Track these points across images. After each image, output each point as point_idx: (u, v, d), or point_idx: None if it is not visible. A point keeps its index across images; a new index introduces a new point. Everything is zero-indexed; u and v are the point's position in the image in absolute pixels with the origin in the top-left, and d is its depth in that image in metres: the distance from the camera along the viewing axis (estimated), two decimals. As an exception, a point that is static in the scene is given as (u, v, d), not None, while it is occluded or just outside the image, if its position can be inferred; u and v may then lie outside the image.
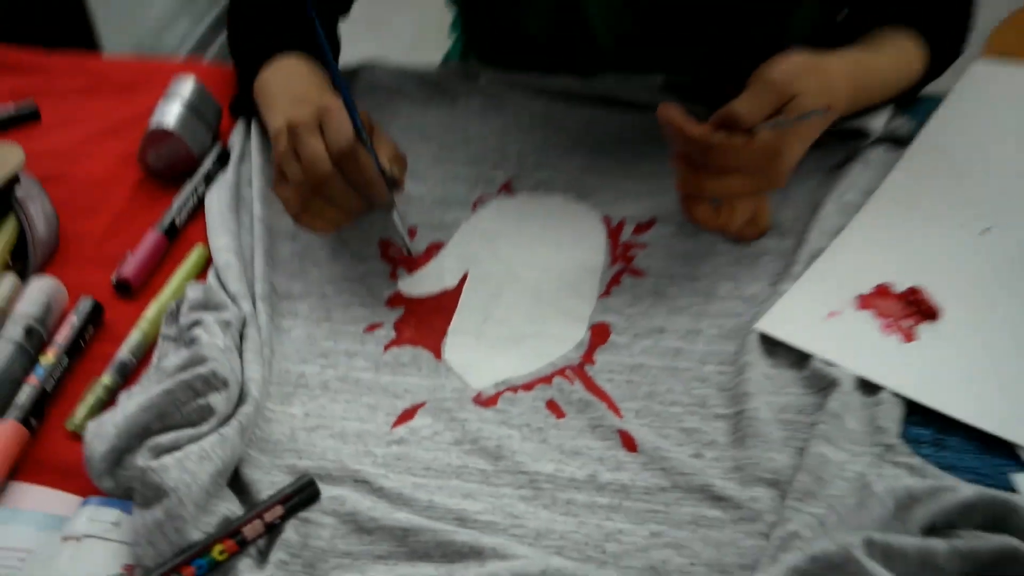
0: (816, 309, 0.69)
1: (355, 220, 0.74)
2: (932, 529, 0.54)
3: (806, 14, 0.88)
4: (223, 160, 0.85)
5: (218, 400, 0.60)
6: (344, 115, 0.69)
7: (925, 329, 0.67)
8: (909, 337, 0.67)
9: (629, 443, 0.62)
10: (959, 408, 0.62)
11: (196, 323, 0.66)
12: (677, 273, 0.73)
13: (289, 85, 0.81)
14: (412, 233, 0.78)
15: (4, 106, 0.84)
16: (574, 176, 0.82)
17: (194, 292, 0.69)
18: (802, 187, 0.79)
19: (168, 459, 0.57)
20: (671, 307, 0.71)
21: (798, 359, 0.66)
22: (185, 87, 0.87)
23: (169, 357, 0.65)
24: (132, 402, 0.60)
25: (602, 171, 0.82)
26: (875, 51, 0.81)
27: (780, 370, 0.66)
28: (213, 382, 0.61)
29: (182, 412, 0.60)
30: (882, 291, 0.70)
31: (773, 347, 0.67)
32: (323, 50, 0.69)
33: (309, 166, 0.69)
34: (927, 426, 0.62)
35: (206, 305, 0.68)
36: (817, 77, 0.70)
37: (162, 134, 0.83)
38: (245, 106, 0.88)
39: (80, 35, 1.93)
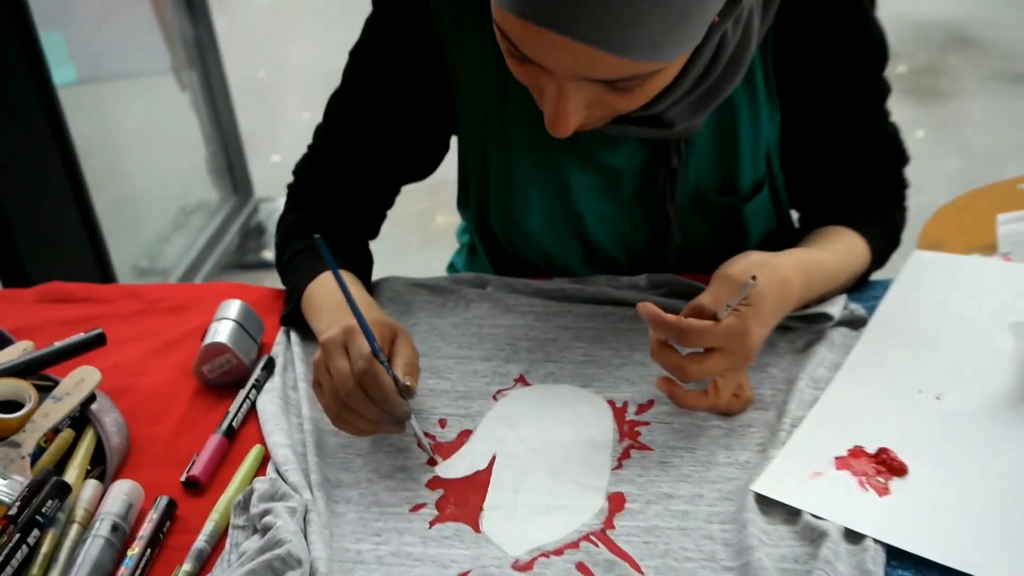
0: (801, 471, 0.80)
1: (385, 427, 0.83)
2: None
3: (761, 222, 1.04)
4: (269, 368, 0.97)
5: (294, 576, 0.69)
6: (363, 338, 0.81)
7: (896, 484, 0.78)
8: (883, 492, 0.78)
9: (652, 596, 0.71)
10: (932, 551, 0.72)
11: (267, 512, 0.76)
12: (678, 446, 0.84)
13: (333, 296, 0.94)
14: (443, 423, 0.89)
15: (75, 335, 0.96)
16: (577, 367, 0.94)
17: (262, 485, 0.79)
18: (778, 366, 0.92)
19: (258, 626, 0.65)
20: (676, 475, 0.81)
21: (790, 515, 0.76)
22: (232, 309, 0.99)
23: (246, 542, 0.74)
24: (221, 582, 0.69)
25: (601, 362, 0.95)
26: (823, 248, 0.96)
27: (776, 525, 0.76)
28: (289, 561, 0.70)
29: (264, 589, 0.69)
30: (855, 453, 0.81)
31: (767, 505, 0.77)
32: (340, 285, 0.81)
33: (338, 383, 0.80)
34: (907, 568, 0.72)
35: (273, 496, 0.78)
36: (768, 271, 0.84)
37: (217, 348, 0.95)
38: (295, 318, 1.01)
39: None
